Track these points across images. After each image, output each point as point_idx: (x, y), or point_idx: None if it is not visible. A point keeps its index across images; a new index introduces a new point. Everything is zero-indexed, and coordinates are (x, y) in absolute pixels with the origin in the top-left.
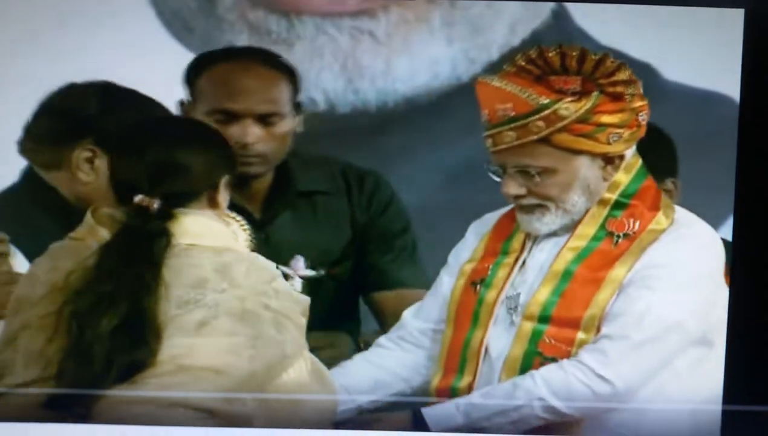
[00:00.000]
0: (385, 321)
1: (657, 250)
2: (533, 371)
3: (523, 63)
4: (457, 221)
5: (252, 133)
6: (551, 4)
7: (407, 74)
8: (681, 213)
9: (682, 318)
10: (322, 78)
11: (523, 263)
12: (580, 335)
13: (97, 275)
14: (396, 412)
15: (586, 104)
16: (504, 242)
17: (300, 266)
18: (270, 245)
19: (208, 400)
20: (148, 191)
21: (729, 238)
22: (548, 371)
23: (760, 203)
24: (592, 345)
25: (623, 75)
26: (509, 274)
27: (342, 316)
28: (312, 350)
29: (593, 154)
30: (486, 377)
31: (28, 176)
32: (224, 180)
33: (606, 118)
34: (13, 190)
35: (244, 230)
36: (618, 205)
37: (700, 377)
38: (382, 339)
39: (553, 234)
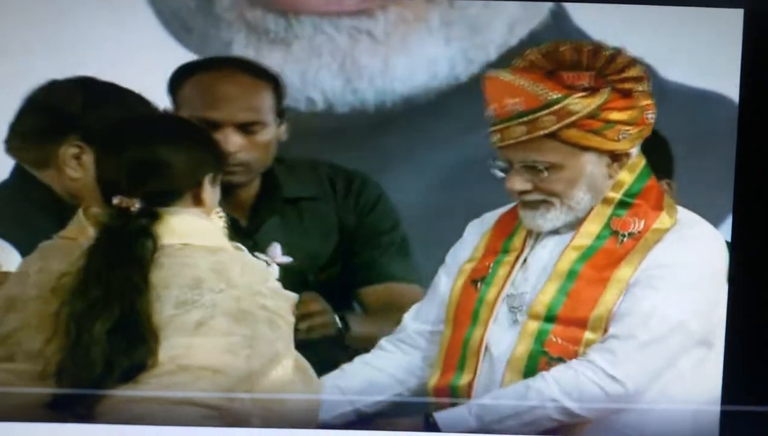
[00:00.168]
0: (374, 315)
1: (663, 249)
2: (544, 373)
3: (534, 57)
4: (455, 220)
5: (233, 142)
6: (549, 4)
7: (405, 74)
8: (684, 213)
9: (686, 318)
10: (320, 77)
11: (525, 260)
12: (588, 335)
13: (86, 277)
14: (400, 414)
15: (597, 100)
16: (505, 240)
17: (277, 254)
18: (257, 252)
19: (211, 398)
20: (128, 191)
21: (728, 238)
22: (559, 371)
23: (759, 203)
24: (601, 345)
25: (634, 71)
26: (510, 272)
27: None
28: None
29: (601, 151)
30: (486, 375)
31: (21, 173)
32: (208, 178)
33: (615, 115)
34: (5, 186)
35: (220, 217)
36: (622, 205)
37: (700, 377)
38: (383, 342)
39: (555, 232)
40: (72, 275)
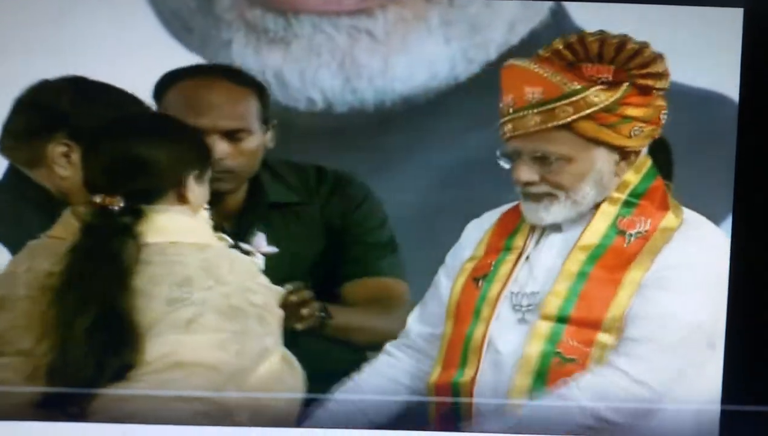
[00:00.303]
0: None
1: (672, 250)
2: (571, 381)
3: (559, 47)
4: (455, 220)
5: (219, 149)
6: (550, 3)
7: (405, 73)
8: (689, 213)
9: (702, 319)
10: (320, 77)
11: (527, 258)
12: (601, 336)
13: (68, 276)
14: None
15: (616, 94)
16: (507, 238)
17: (262, 244)
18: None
19: (202, 395)
20: (110, 189)
21: (728, 238)
22: (586, 379)
23: (759, 203)
24: (623, 349)
25: (658, 67)
26: (512, 270)
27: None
28: None
29: (611, 147)
30: (490, 372)
31: (16, 173)
32: (193, 175)
33: (631, 111)
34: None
35: (204, 208)
36: (627, 205)
37: (701, 376)
38: (388, 346)
39: (558, 230)
40: (58, 274)
